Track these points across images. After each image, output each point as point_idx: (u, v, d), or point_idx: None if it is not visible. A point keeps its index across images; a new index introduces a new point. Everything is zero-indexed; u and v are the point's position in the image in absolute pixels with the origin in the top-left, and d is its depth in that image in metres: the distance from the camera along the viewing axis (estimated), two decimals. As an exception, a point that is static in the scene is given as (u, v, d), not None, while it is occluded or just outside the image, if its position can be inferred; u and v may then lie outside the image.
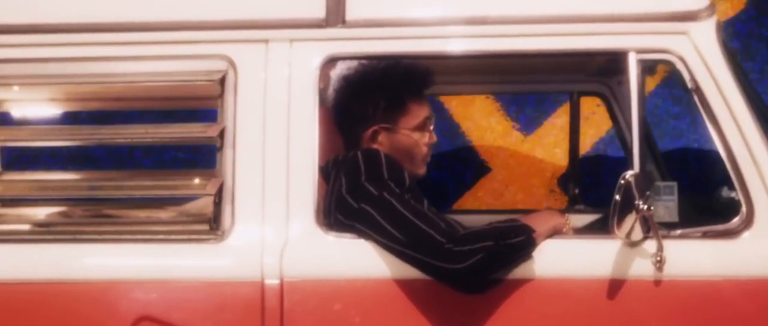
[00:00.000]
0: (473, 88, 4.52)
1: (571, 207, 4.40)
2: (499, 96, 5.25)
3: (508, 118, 5.29)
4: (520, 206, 4.99)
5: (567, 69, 4.06)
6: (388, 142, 3.21)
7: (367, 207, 2.93)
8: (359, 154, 3.10)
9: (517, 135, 5.18)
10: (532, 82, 4.35)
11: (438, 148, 5.26)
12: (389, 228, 2.88)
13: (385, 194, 2.93)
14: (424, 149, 3.26)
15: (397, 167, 3.08)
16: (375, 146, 3.21)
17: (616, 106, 4.14)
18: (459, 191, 5.39)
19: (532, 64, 3.86)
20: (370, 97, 3.22)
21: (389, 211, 2.90)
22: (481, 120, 5.32)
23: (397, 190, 2.96)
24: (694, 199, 3.42)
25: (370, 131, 3.21)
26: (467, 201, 5.33)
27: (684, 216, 3.08)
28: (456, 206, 5.33)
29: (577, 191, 4.41)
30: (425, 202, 3.12)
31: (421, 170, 3.28)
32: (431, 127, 3.29)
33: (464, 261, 2.79)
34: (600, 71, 4.00)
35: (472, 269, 2.80)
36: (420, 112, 3.26)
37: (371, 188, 2.96)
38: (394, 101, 3.21)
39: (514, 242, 2.86)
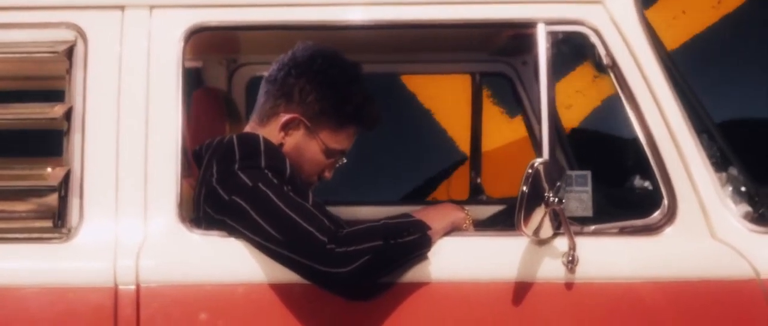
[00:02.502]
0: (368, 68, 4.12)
1: (473, 198, 4.08)
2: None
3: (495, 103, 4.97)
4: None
5: (468, 46, 3.75)
6: (297, 141, 2.85)
7: (239, 200, 2.56)
8: (235, 138, 2.73)
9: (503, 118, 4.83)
10: (430, 62, 4.01)
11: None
12: (263, 224, 2.51)
13: (260, 185, 2.55)
14: (316, 176, 2.92)
15: (277, 155, 2.72)
16: (281, 135, 2.83)
17: (521, 88, 3.84)
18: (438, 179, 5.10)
19: (428, 40, 3.55)
20: (320, 89, 2.83)
21: (263, 205, 2.53)
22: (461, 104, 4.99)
23: (275, 181, 2.59)
24: (610, 191, 3.10)
25: (291, 116, 2.82)
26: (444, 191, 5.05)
27: (599, 211, 2.74)
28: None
29: (479, 180, 4.08)
30: (310, 196, 2.74)
31: (309, 184, 2.92)
32: (338, 162, 2.95)
33: (348, 264, 2.44)
34: (504, 50, 3.70)
35: (357, 273, 2.45)
36: (344, 141, 2.90)
37: (245, 178, 2.59)
38: (336, 111, 2.84)
39: (406, 241, 2.52)
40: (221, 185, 2.61)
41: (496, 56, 3.83)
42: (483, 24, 2.82)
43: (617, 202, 3.20)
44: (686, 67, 3.16)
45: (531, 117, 3.83)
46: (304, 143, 2.84)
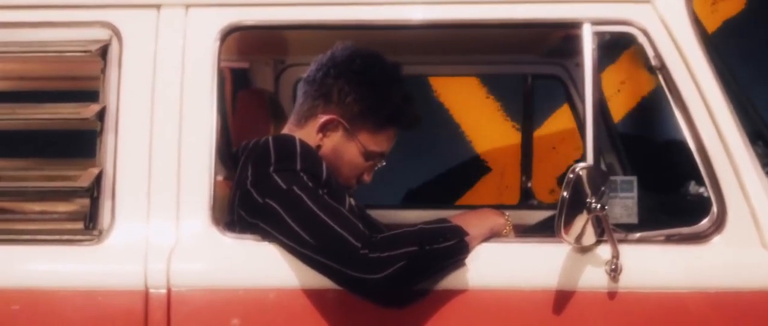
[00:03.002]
0: (414, 69, 4.04)
1: (523, 203, 3.99)
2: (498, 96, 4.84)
3: (507, 118, 4.88)
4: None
5: (520, 48, 3.66)
6: (336, 143, 2.78)
7: (273, 203, 2.50)
8: (271, 140, 2.66)
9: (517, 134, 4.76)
10: (481, 63, 3.91)
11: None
12: (296, 228, 2.45)
13: (295, 188, 2.49)
14: (354, 179, 2.85)
15: (313, 158, 2.65)
16: (319, 137, 2.77)
17: (573, 90, 3.74)
18: (460, 191, 5.04)
19: (479, 41, 3.47)
20: (359, 90, 2.76)
21: (297, 208, 2.47)
22: (481, 119, 4.92)
23: (310, 184, 2.53)
24: (657, 197, 2.98)
25: (329, 117, 2.76)
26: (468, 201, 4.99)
27: (645, 217, 2.63)
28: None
29: (529, 184, 3.98)
30: (348, 201, 2.67)
31: (348, 187, 2.86)
32: (377, 165, 2.87)
33: (382, 270, 2.36)
34: (556, 51, 3.60)
35: (391, 279, 2.37)
36: (384, 143, 2.83)
37: (279, 180, 2.53)
38: (377, 113, 2.77)
39: (443, 247, 2.43)
40: (255, 188, 2.55)
41: (548, 58, 3.74)
42: (527, 24, 2.73)
43: (666, 209, 3.09)
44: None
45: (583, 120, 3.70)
46: (342, 145, 2.77)
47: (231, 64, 3.82)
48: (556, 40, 3.41)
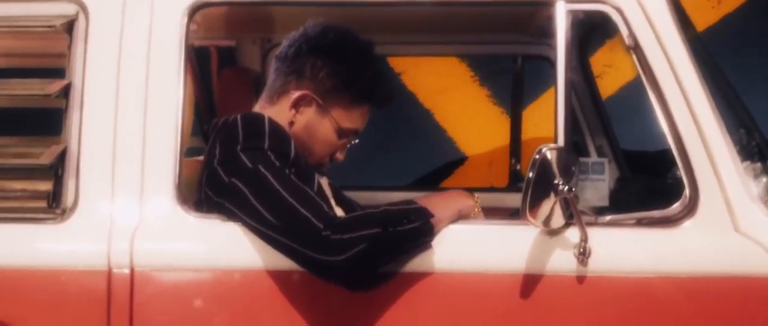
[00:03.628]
0: (400, 49, 4.00)
1: (513, 185, 3.92)
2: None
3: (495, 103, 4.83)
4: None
5: (507, 27, 3.60)
6: (309, 119, 2.73)
7: (238, 182, 2.46)
8: (239, 118, 2.62)
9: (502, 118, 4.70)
10: (469, 43, 3.85)
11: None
12: (259, 208, 2.41)
13: (261, 168, 2.46)
14: (327, 157, 2.80)
15: (281, 136, 2.61)
16: (292, 113, 2.72)
17: (565, 71, 3.62)
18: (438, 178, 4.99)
19: (467, 20, 3.39)
20: (331, 66, 2.72)
21: (262, 188, 2.43)
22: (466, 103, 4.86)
23: (277, 163, 2.49)
24: (631, 182, 2.92)
25: (301, 93, 2.71)
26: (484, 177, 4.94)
27: (617, 203, 2.58)
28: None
29: (518, 166, 3.92)
30: (317, 182, 2.63)
31: (320, 168, 2.82)
32: (350, 142, 2.82)
33: (344, 252, 2.33)
34: (544, 31, 3.49)
35: (352, 261, 2.33)
36: (357, 120, 2.78)
37: (246, 159, 2.50)
38: (349, 88, 2.72)
39: (407, 229, 2.39)
40: (222, 166, 2.52)
41: (537, 38, 3.67)
42: (500, 1, 2.66)
43: (651, 192, 3.04)
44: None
45: (574, 101, 3.65)
46: (315, 121, 2.72)
47: (217, 42, 3.79)
48: (545, 18, 3.34)
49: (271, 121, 2.62)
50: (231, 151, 2.53)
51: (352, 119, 2.75)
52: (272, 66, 2.80)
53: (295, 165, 2.55)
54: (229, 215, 2.51)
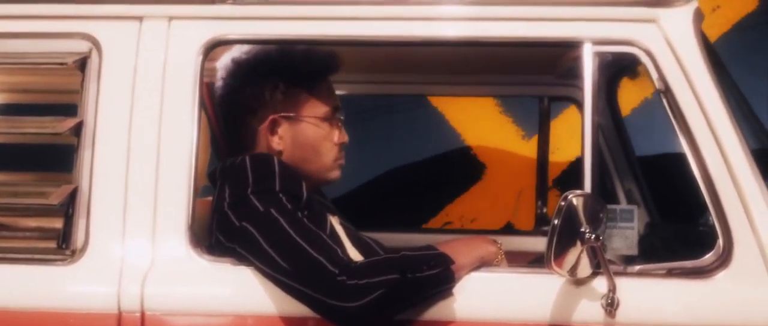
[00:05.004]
0: (424, 89, 3.92)
1: (538, 229, 3.82)
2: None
3: (511, 121, 4.72)
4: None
5: (535, 69, 3.51)
6: (291, 135, 2.65)
7: (249, 227, 2.38)
8: (247, 159, 2.54)
9: (518, 139, 4.60)
10: (495, 84, 3.77)
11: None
12: (271, 253, 2.33)
13: (273, 211, 2.38)
14: (335, 148, 2.69)
15: (292, 177, 2.53)
16: (275, 141, 2.65)
17: (593, 113, 3.54)
18: (452, 196, 4.86)
19: (494, 61, 3.35)
20: (266, 81, 2.65)
21: (273, 232, 2.36)
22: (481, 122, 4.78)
23: (289, 206, 2.41)
24: (661, 228, 2.81)
25: (268, 121, 2.64)
26: (457, 207, 4.77)
27: (646, 249, 2.48)
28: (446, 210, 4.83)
29: (545, 209, 3.82)
30: (329, 223, 2.54)
31: (333, 174, 2.72)
32: (341, 124, 2.72)
33: (360, 298, 2.24)
34: (571, 72, 3.41)
35: (369, 308, 2.25)
36: (327, 99, 2.69)
37: (257, 202, 2.42)
38: (296, 84, 2.65)
39: (426, 276, 2.31)
40: (232, 210, 2.45)
41: (563, 79, 3.59)
42: (528, 43, 2.60)
43: (681, 240, 2.94)
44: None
45: (602, 144, 3.55)
46: (299, 132, 2.65)
47: None
48: (572, 60, 3.26)
49: (280, 161, 2.56)
50: (241, 193, 2.46)
51: (322, 102, 2.67)
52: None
53: (307, 208, 2.48)
54: (241, 260, 2.43)
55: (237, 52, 2.70)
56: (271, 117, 2.64)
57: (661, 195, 3.71)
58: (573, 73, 3.35)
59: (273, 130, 2.64)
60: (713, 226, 2.43)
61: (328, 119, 2.67)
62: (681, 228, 3.35)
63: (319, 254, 2.28)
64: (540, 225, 3.88)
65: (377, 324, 2.34)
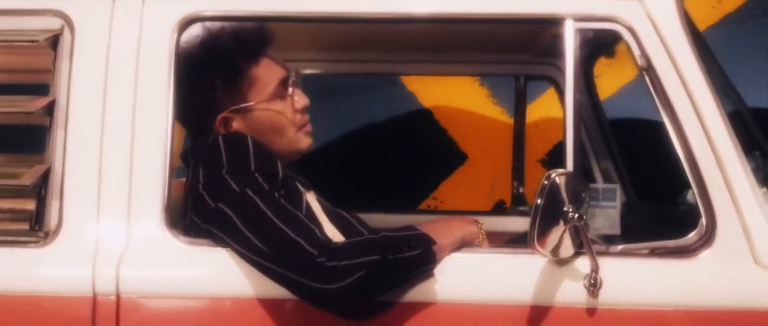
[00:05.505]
0: (398, 68, 3.88)
1: (514, 208, 3.81)
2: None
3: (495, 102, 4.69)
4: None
5: (511, 47, 3.49)
6: (247, 126, 2.59)
7: (225, 208, 2.33)
8: (220, 138, 2.50)
9: (502, 119, 4.56)
10: (471, 62, 3.73)
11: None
12: (249, 235, 2.28)
13: (249, 191, 2.33)
14: (297, 117, 2.63)
15: (267, 155, 2.49)
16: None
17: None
18: (434, 182, 4.83)
19: (468, 39, 3.32)
20: (202, 82, 2.58)
21: (250, 213, 2.30)
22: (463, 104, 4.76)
23: (266, 186, 2.36)
24: (639, 208, 2.79)
25: (218, 120, 2.59)
26: (443, 192, 4.77)
27: (629, 228, 2.45)
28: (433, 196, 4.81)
29: (521, 189, 3.81)
30: (305, 201, 2.50)
31: (303, 143, 2.66)
32: (293, 89, 2.65)
33: (339, 280, 2.19)
34: (549, 51, 3.40)
35: (349, 289, 2.20)
36: (270, 76, 2.61)
37: (232, 183, 2.36)
38: (231, 75, 2.58)
39: (408, 256, 2.27)
40: (207, 191, 2.39)
41: (540, 58, 3.57)
42: (507, 19, 2.56)
43: (660, 219, 2.92)
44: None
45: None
46: (252, 121, 2.59)
47: None
48: (548, 38, 3.24)
49: (254, 140, 2.50)
50: (216, 174, 2.41)
51: (266, 82, 2.60)
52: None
53: (283, 187, 2.43)
54: (218, 241, 2.38)
55: None
56: (219, 116, 2.58)
57: (638, 175, 3.69)
58: (551, 52, 3.35)
59: (227, 126, 2.58)
60: (695, 205, 2.40)
61: (278, 95, 2.60)
62: (659, 207, 3.33)
63: (297, 235, 2.24)
64: (516, 205, 3.86)
65: (357, 305, 2.29)
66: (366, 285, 2.23)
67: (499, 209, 4.53)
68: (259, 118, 2.59)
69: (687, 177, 2.41)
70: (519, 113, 3.83)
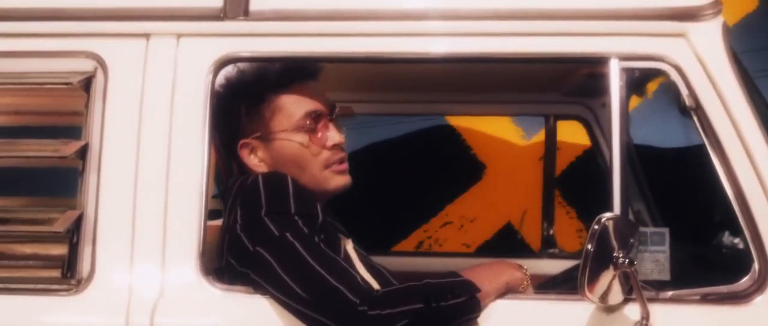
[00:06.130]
0: (428, 108, 3.82)
1: (544, 251, 3.73)
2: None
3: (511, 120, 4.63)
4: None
5: (541, 86, 3.44)
6: (269, 156, 2.53)
7: (264, 252, 2.26)
8: (260, 179, 2.42)
9: (518, 139, 4.50)
10: (499, 103, 3.66)
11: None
12: (288, 280, 2.22)
13: (288, 235, 2.26)
14: (323, 153, 2.53)
15: (307, 198, 2.40)
16: (254, 165, 2.53)
17: (599, 133, 3.47)
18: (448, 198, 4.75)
19: (496, 78, 3.27)
20: (229, 105, 2.53)
21: (290, 258, 2.24)
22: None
23: (305, 229, 2.29)
24: (693, 252, 2.71)
25: (240, 145, 2.53)
26: (455, 208, 4.65)
27: (679, 274, 2.38)
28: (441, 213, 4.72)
29: (551, 231, 3.73)
30: (344, 246, 2.43)
31: (332, 182, 2.55)
32: (325, 124, 2.55)
33: None
34: (580, 90, 3.38)
35: None
36: (296, 108, 2.52)
37: (271, 226, 2.29)
38: (254, 101, 2.52)
39: (451, 304, 2.21)
40: (245, 233, 2.32)
41: (571, 97, 3.51)
42: (551, 59, 2.50)
43: (703, 265, 2.85)
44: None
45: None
46: (273, 151, 2.53)
47: None
48: (580, 77, 3.20)
49: (294, 181, 2.42)
50: (255, 215, 2.34)
51: (292, 111, 2.52)
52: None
53: (323, 231, 2.36)
54: (255, 286, 2.31)
55: None
56: (241, 141, 2.52)
57: (672, 217, 3.62)
58: (581, 91, 3.28)
59: (250, 154, 2.52)
60: (746, 249, 2.33)
61: (303, 127, 2.52)
62: (698, 250, 3.25)
63: (338, 282, 2.18)
64: (546, 247, 3.78)
65: None
66: None
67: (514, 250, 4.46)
68: (280, 149, 2.52)
69: (737, 220, 2.33)
70: (549, 153, 3.75)
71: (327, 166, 2.54)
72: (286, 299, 2.23)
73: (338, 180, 2.56)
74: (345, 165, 2.57)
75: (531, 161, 3.90)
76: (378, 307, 2.14)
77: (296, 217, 2.32)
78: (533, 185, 3.86)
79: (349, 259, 2.47)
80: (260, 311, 2.31)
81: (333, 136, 2.54)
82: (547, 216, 3.78)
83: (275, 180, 2.42)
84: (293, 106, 2.53)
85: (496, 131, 4.63)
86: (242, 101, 2.52)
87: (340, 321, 2.16)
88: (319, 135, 2.53)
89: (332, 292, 2.16)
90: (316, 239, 2.29)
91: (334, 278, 2.18)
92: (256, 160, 2.52)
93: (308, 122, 2.52)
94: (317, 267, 2.20)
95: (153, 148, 2.40)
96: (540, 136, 3.82)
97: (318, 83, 2.59)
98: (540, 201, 3.82)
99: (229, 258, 2.36)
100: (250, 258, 2.29)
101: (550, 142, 3.72)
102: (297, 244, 2.25)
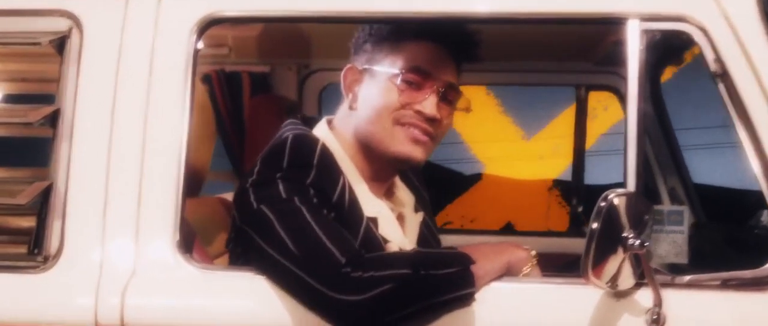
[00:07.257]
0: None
1: (573, 229, 3.54)
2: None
3: (508, 118, 4.48)
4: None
5: (572, 55, 3.30)
6: (361, 91, 2.37)
7: (266, 210, 2.13)
8: (290, 139, 2.25)
9: (517, 138, 4.36)
10: (530, 72, 3.57)
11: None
12: (284, 236, 2.09)
13: (296, 200, 2.13)
14: (405, 111, 2.32)
15: (330, 172, 2.24)
16: (349, 95, 2.38)
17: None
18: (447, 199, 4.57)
19: (528, 48, 3.15)
20: (365, 29, 2.41)
21: (292, 219, 2.12)
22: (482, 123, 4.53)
23: (315, 200, 2.16)
24: (709, 231, 2.51)
25: (346, 69, 2.39)
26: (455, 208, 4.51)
27: (693, 255, 2.18)
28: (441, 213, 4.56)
29: (581, 208, 3.53)
30: (365, 223, 2.27)
31: (395, 145, 2.33)
32: (431, 94, 2.33)
33: (363, 292, 2.01)
34: (611, 59, 3.16)
35: (371, 303, 2.01)
36: (414, 59, 2.33)
37: (282, 189, 2.16)
38: (382, 37, 2.37)
39: (441, 274, 2.06)
40: (254, 189, 2.19)
41: (603, 66, 3.37)
42: (565, 19, 2.30)
43: (734, 244, 2.64)
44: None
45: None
46: (365, 88, 2.36)
47: (249, 68, 3.53)
48: (610, 44, 3.01)
49: (324, 150, 2.26)
50: (270, 175, 2.20)
51: (400, 61, 2.33)
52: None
53: (336, 209, 2.21)
54: (249, 245, 2.18)
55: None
56: (349, 65, 2.38)
57: (710, 194, 3.42)
58: (613, 60, 3.10)
59: (350, 85, 2.38)
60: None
61: (405, 78, 2.31)
62: (733, 230, 3.05)
63: (331, 243, 2.06)
64: (575, 225, 3.60)
65: (381, 324, 2.06)
66: (390, 302, 2.03)
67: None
68: (370, 88, 2.35)
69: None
70: (579, 125, 3.57)
71: (400, 123, 2.34)
72: (276, 255, 2.10)
73: (406, 147, 2.34)
74: (424, 138, 2.34)
75: (531, 161, 3.74)
76: (361, 269, 2.02)
77: (310, 188, 2.18)
78: (533, 185, 3.71)
79: (372, 234, 2.29)
80: (237, 291, 2.19)
81: (427, 104, 2.32)
82: (577, 193, 3.59)
83: (305, 144, 2.27)
84: (410, 57, 2.34)
85: (496, 131, 4.51)
86: (375, 30, 2.38)
87: (320, 280, 2.04)
88: (414, 93, 2.33)
89: (320, 251, 2.06)
90: (324, 211, 2.16)
91: (329, 240, 2.07)
92: (350, 96, 2.38)
93: (412, 76, 2.33)
94: (316, 229, 2.09)
95: (129, 115, 2.27)
96: (540, 136, 3.65)
97: (451, 59, 2.40)
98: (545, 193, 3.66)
99: (234, 211, 2.26)
100: (252, 215, 2.17)
101: (581, 113, 3.53)
102: (303, 208, 2.12)
